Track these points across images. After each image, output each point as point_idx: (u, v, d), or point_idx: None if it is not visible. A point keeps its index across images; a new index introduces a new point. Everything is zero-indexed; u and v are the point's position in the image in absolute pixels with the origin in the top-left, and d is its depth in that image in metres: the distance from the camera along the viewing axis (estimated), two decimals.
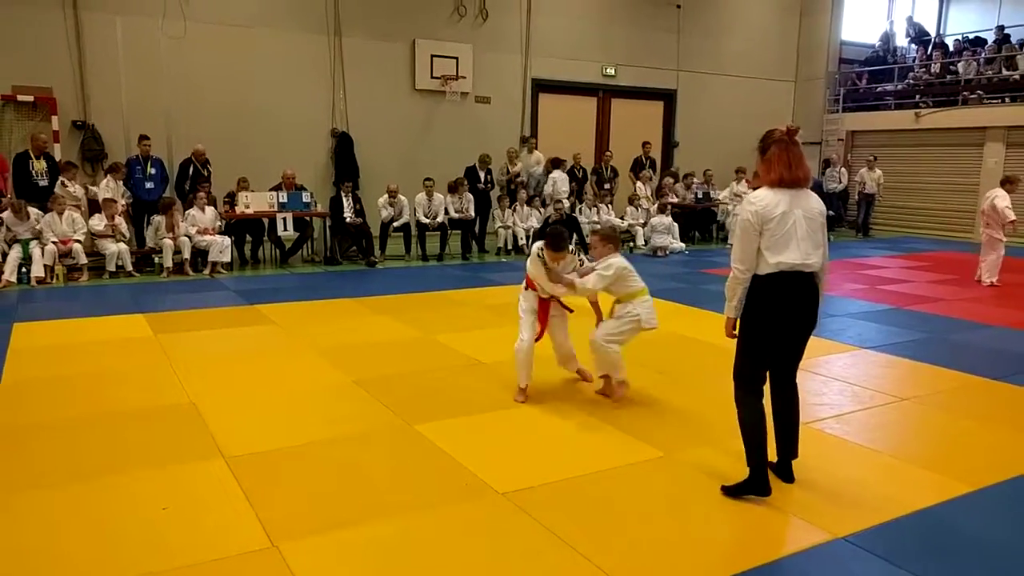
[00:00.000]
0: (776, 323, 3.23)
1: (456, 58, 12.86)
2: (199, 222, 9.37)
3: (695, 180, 13.78)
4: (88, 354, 5.54)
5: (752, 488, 3.22)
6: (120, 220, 9.16)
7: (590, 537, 2.91)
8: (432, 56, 12.70)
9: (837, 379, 5.11)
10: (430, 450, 3.78)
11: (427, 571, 2.70)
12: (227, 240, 9.48)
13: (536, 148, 12.48)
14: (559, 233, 4.50)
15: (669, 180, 13.63)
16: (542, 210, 11.81)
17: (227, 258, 9.46)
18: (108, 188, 9.31)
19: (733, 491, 3.25)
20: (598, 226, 12.43)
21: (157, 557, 2.74)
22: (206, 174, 10.22)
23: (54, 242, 8.56)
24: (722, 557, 2.80)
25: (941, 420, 4.36)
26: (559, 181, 11.92)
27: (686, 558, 2.80)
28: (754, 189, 3.38)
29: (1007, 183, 9.22)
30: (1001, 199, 9.08)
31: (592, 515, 3.12)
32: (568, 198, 11.58)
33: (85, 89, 10.35)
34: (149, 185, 9.73)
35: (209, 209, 9.56)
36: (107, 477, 3.42)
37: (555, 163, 12.16)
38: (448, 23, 12.87)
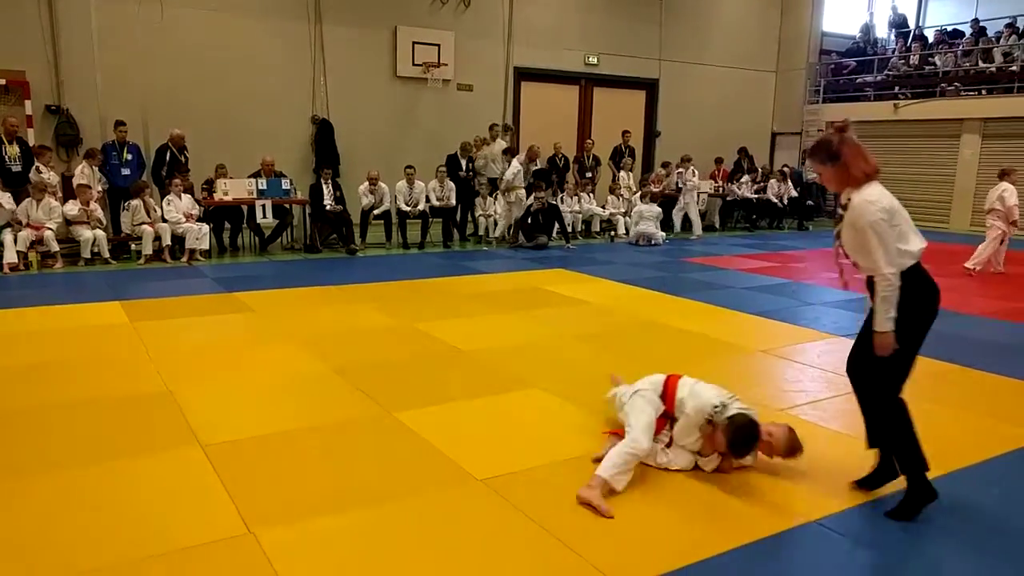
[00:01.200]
0: (931, 315, 3.11)
1: (438, 45, 12.78)
2: (175, 209, 9.26)
3: (691, 166, 13.51)
4: (63, 342, 5.47)
5: (929, 495, 3.04)
6: (95, 206, 9.03)
7: (568, 523, 2.93)
8: (414, 43, 12.61)
9: (813, 366, 5.18)
10: (409, 438, 3.78)
11: (405, 557, 2.71)
12: (205, 227, 9.39)
13: (501, 137, 12.31)
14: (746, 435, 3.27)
15: (662, 171, 13.64)
16: (524, 199, 11.78)
17: (205, 245, 9.38)
18: (83, 174, 9.17)
19: (912, 509, 3.04)
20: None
21: (132, 545, 2.73)
22: (183, 160, 10.09)
23: (28, 227, 8.43)
24: (697, 541, 2.83)
25: (914, 407, 4.40)
26: (517, 171, 11.48)
27: (662, 542, 2.83)
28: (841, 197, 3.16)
29: (1007, 175, 9.35)
30: (1010, 194, 9.24)
31: (570, 501, 3.13)
32: (547, 189, 11.53)
33: (59, 73, 10.17)
34: (125, 172, 9.61)
35: (186, 196, 9.45)
36: (81, 466, 3.39)
37: (508, 152, 11.81)
38: (430, 10, 12.78)
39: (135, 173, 9.73)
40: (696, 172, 13.24)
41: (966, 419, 4.23)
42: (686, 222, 13.03)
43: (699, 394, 3.42)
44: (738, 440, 3.22)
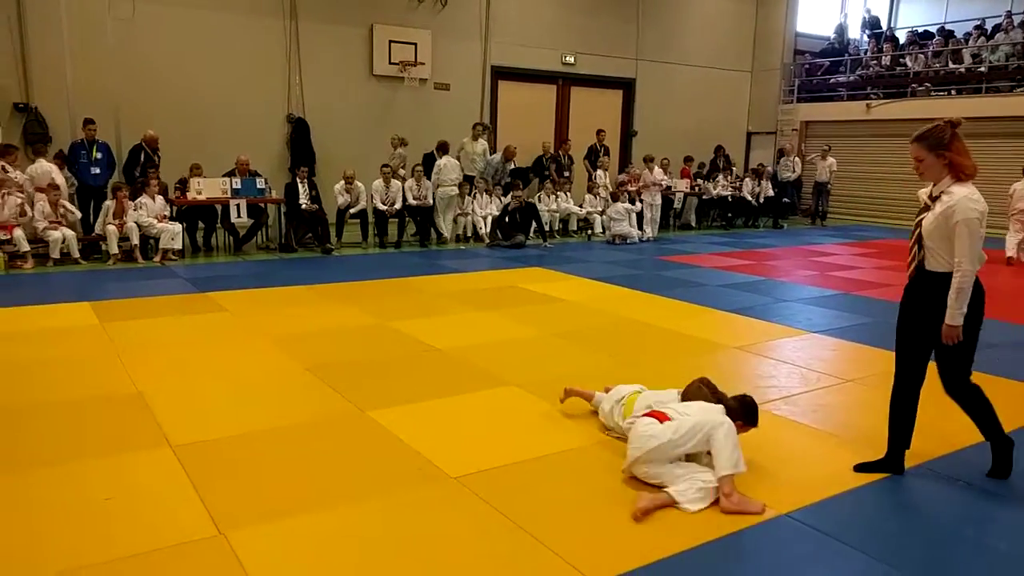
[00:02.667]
0: (982, 313, 3.34)
1: (415, 44, 12.74)
2: (149, 211, 9.13)
3: (655, 166, 13.61)
4: (30, 343, 5.37)
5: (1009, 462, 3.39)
6: (69, 206, 8.90)
7: (543, 519, 2.94)
8: (390, 42, 12.56)
9: (786, 362, 5.23)
10: (383, 436, 3.76)
11: (379, 556, 2.69)
12: (177, 227, 9.27)
13: (482, 136, 12.30)
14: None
15: (635, 170, 13.69)
16: (502, 198, 11.80)
17: (178, 245, 9.25)
18: (50, 175, 8.98)
19: (1006, 468, 3.37)
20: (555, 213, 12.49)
21: (100, 548, 2.68)
22: (156, 160, 9.96)
23: None
24: (668, 536, 2.84)
25: (883, 400, 4.44)
26: (444, 169, 11.32)
27: (634, 537, 2.85)
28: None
29: None
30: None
31: (544, 497, 3.14)
32: (524, 188, 11.53)
33: (27, 70, 9.99)
34: (95, 170, 9.45)
35: (159, 197, 9.32)
36: (48, 467, 3.33)
37: (440, 148, 11.60)
38: (407, 8, 12.73)
39: (105, 171, 9.58)
40: (661, 172, 13.25)
41: (932, 412, 4.29)
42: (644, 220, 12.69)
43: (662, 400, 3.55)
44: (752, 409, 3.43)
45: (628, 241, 11.77)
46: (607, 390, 4.01)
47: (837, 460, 3.58)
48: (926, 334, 3.30)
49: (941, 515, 3.09)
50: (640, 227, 12.32)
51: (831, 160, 15.17)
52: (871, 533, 2.90)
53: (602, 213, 12.59)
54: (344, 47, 12.28)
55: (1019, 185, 10.28)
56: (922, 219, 3.25)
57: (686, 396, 3.56)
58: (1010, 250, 10.21)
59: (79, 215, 9.12)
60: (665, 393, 3.68)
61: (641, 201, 12.43)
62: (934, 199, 3.22)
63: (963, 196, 3.14)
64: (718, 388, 3.57)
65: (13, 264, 8.40)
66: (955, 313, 3.16)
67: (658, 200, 12.68)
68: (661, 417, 3.27)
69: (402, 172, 11.18)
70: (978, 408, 3.40)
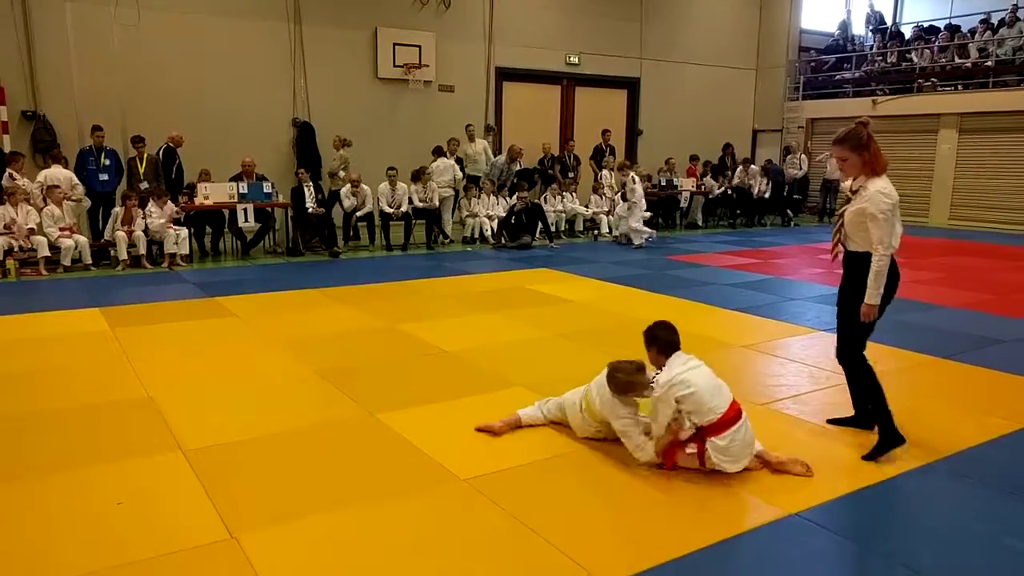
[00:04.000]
0: (894, 292, 3.66)
1: (419, 46, 12.76)
2: (156, 219, 9.13)
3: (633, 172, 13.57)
4: (40, 349, 5.41)
5: (897, 440, 3.57)
6: (69, 210, 8.96)
7: (552, 521, 2.94)
8: (395, 44, 12.59)
9: (795, 360, 5.22)
10: (392, 439, 3.77)
11: (389, 559, 2.70)
12: (183, 231, 9.28)
13: (484, 136, 12.29)
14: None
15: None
16: (508, 199, 11.81)
17: (185, 250, 9.28)
18: (59, 179, 9.03)
19: (880, 452, 3.54)
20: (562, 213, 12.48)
21: (112, 552, 2.70)
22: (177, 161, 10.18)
23: (4, 235, 8.34)
24: (680, 536, 2.85)
25: (892, 398, 4.45)
26: (436, 171, 11.34)
27: (645, 538, 2.85)
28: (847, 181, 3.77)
29: None
30: None
31: (554, 499, 3.15)
32: (530, 189, 11.53)
33: (35, 78, 10.05)
34: (103, 177, 9.49)
35: (168, 205, 9.31)
36: (61, 473, 3.36)
37: (435, 151, 11.67)
38: (410, 11, 12.76)
39: (113, 178, 9.63)
40: (637, 179, 13.12)
41: (942, 409, 4.28)
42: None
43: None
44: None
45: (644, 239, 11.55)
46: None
47: (846, 459, 3.57)
48: (843, 303, 3.71)
49: (952, 513, 3.08)
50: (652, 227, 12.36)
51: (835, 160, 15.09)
52: (882, 531, 2.89)
53: (608, 213, 12.56)
54: (348, 50, 12.32)
55: None
56: (845, 210, 3.64)
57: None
58: None
59: (87, 202, 9.14)
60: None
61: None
62: (854, 192, 3.61)
63: (876, 190, 3.53)
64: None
65: (22, 272, 8.46)
66: (873, 293, 3.52)
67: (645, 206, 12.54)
68: None
69: (342, 174, 10.99)
70: (867, 384, 3.71)
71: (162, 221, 9.10)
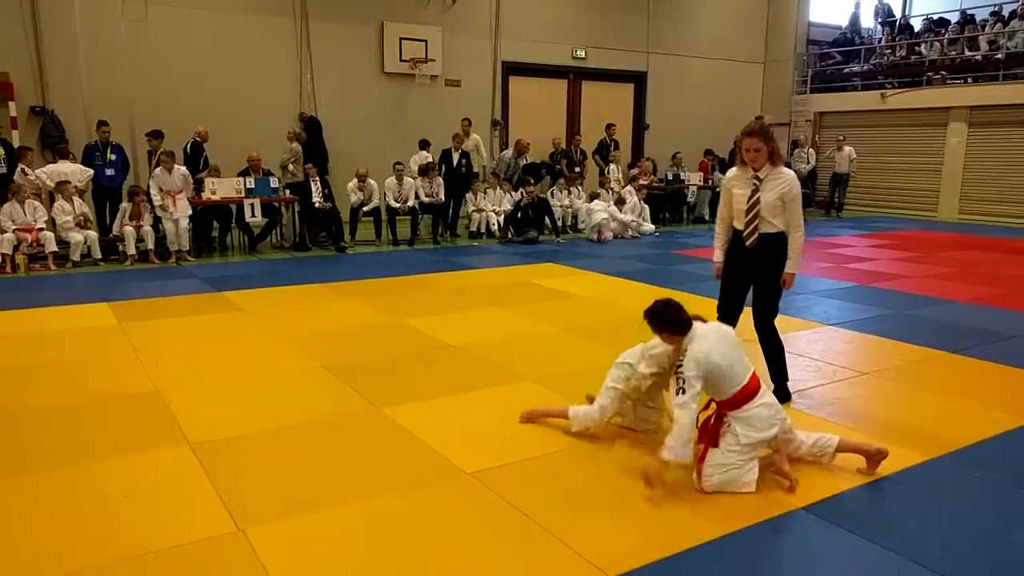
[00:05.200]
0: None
1: (425, 41, 12.76)
2: (165, 183, 9.05)
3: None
4: (49, 343, 5.45)
5: (786, 397, 4.19)
6: (80, 203, 9.00)
7: (557, 514, 2.95)
8: (401, 39, 12.60)
9: (801, 355, 5.20)
10: (399, 433, 3.78)
11: (396, 552, 2.71)
12: (183, 224, 9.23)
13: (471, 132, 12.10)
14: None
15: (648, 164, 13.68)
16: (513, 194, 11.79)
17: (186, 244, 9.25)
18: (66, 173, 9.07)
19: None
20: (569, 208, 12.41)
21: (119, 544, 2.72)
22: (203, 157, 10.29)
23: (15, 231, 8.39)
24: (686, 529, 2.85)
25: (899, 393, 4.47)
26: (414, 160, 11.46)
27: (649, 531, 2.85)
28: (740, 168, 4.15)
29: None
30: None
31: (559, 493, 3.15)
32: (535, 184, 11.50)
33: (43, 74, 10.12)
34: (110, 172, 9.51)
35: (177, 169, 9.18)
36: (68, 466, 3.38)
37: (421, 144, 11.73)
38: (417, 5, 12.75)
39: (119, 173, 9.66)
40: (620, 176, 13.13)
41: (950, 404, 4.26)
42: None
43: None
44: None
45: (611, 237, 11.47)
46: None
47: (854, 454, 3.55)
48: (764, 280, 4.14)
49: (958, 507, 3.06)
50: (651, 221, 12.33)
51: (848, 149, 15.03)
52: (888, 526, 2.89)
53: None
54: (355, 45, 12.32)
55: None
56: (758, 197, 4.00)
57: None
58: None
59: (92, 221, 9.18)
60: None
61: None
62: (761, 180, 3.99)
63: (791, 176, 4.03)
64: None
65: (31, 267, 8.51)
66: (795, 264, 4.08)
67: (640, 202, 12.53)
68: None
69: (291, 168, 10.90)
70: (778, 349, 4.27)
71: (173, 188, 9.06)
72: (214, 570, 2.59)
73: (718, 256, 4.33)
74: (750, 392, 3.21)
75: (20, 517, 2.94)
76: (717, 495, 3.12)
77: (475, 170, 11.89)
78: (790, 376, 4.33)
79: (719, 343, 3.23)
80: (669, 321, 3.29)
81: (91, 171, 9.24)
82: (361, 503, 3.06)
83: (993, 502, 3.11)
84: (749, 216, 4.06)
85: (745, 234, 4.11)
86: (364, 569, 2.61)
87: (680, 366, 3.16)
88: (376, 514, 2.98)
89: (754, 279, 4.18)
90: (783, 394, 4.19)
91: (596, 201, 11.73)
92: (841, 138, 15.31)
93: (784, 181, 3.98)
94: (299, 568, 2.60)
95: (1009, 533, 2.85)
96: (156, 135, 9.79)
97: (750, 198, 4.03)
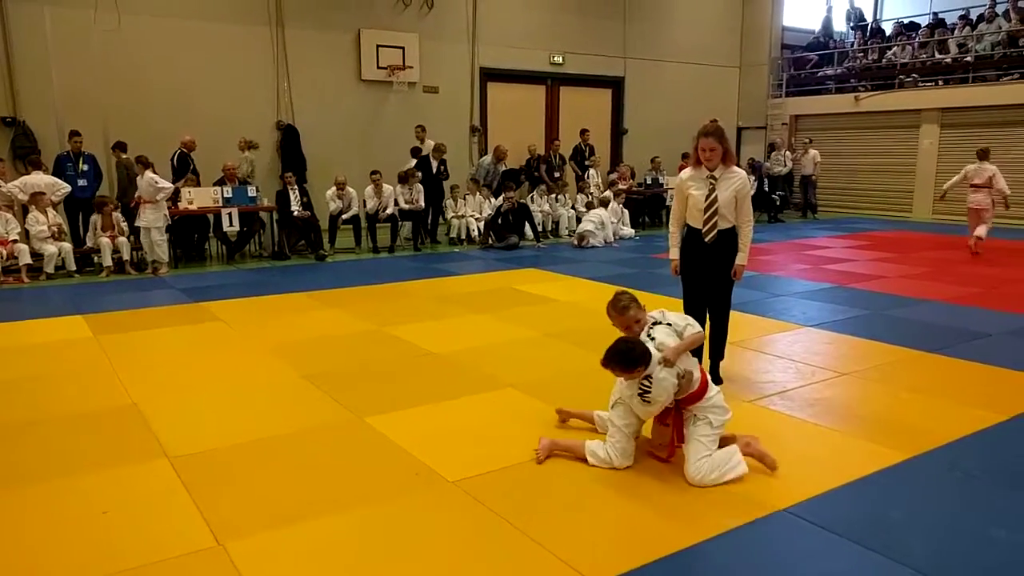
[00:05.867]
0: None
1: (402, 48, 12.73)
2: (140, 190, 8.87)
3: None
4: (22, 358, 5.35)
5: (719, 381, 4.39)
6: (55, 215, 8.86)
7: (540, 521, 2.93)
8: (378, 46, 12.55)
9: (781, 357, 5.24)
10: (381, 442, 3.76)
11: (378, 562, 2.69)
12: (154, 234, 9.05)
13: (426, 137, 12.00)
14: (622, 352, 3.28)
15: (626, 168, 13.75)
16: (494, 200, 11.79)
17: (164, 257, 9.11)
18: (40, 186, 8.92)
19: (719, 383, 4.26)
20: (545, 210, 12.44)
21: (98, 561, 2.67)
22: (191, 166, 10.19)
23: None
24: (669, 534, 2.85)
25: (878, 393, 4.51)
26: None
27: (633, 536, 2.85)
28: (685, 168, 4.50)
29: (988, 155, 9.75)
30: (999, 173, 9.60)
31: (542, 499, 3.14)
32: (516, 189, 11.50)
33: (14, 84, 9.95)
34: (82, 182, 9.38)
35: (148, 177, 8.88)
36: (44, 482, 3.32)
37: (413, 152, 11.84)
38: (393, 12, 12.72)
39: (92, 183, 9.52)
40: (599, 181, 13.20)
41: (929, 403, 4.31)
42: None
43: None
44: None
45: (592, 244, 11.45)
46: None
47: (835, 454, 3.59)
48: (722, 272, 4.40)
49: (939, 506, 3.09)
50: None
51: (814, 152, 15.19)
52: (870, 526, 2.91)
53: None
54: (332, 53, 12.26)
55: (972, 169, 9.88)
56: (716, 195, 4.24)
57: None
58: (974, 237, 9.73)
59: (67, 233, 9.04)
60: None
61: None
62: (716, 179, 4.25)
63: (743, 175, 4.35)
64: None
65: (6, 280, 8.35)
66: (745, 256, 4.38)
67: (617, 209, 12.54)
68: None
69: (242, 174, 10.77)
70: (724, 335, 4.54)
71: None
72: None
73: (674, 254, 4.54)
74: (705, 384, 3.39)
75: None
76: (702, 498, 3.13)
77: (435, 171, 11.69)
78: (771, 378, 4.37)
79: (680, 362, 3.32)
80: (637, 355, 3.23)
81: (67, 187, 9.08)
82: (343, 514, 3.02)
83: (973, 499, 3.14)
84: (708, 214, 4.28)
85: (704, 231, 4.32)
86: None
87: (647, 392, 3.24)
88: (358, 525, 2.95)
89: (712, 271, 4.41)
90: (716, 376, 4.44)
91: (596, 211, 11.69)
92: (807, 140, 15.49)
93: (737, 179, 4.28)
94: None
95: (988, 529, 2.88)
96: (121, 147, 9.68)
97: (708, 196, 4.26)
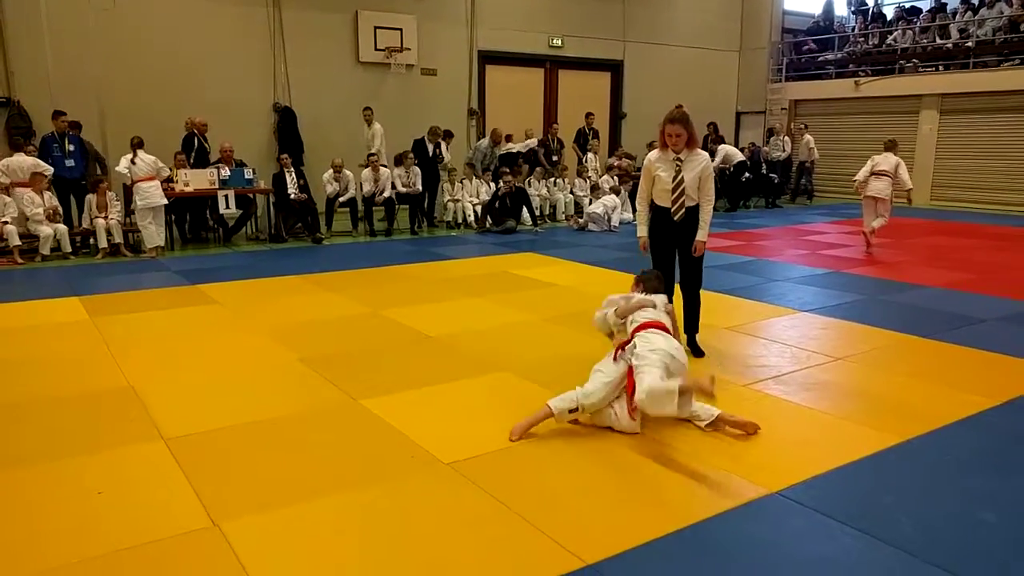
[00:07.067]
0: None
1: (400, 29, 12.65)
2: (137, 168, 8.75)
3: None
4: (18, 339, 5.34)
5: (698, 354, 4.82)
6: (51, 196, 8.81)
7: (536, 503, 2.95)
8: (376, 27, 12.47)
9: (777, 341, 5.25)
10: (376, 425, 3.77)
11: (373, 543, 2.70)
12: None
13: (374, 121, 11.65)
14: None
15: (622, 152, 13.71)
16: (491, 184, 11.75)
17: (160, 241, 9.05)
18: (24, 167, 8.82)
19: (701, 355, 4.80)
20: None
21: (93, 542, 2.68)
22: (207, 148, 10.18)
23: None
24: (662, 516, 2.86)
25: (873, 377, 4.52)
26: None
27: (627, 517, 2.86)
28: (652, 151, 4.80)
29: (896, 147, 9.47)
30: (903, 165, 9.23)
31: (537, 481, 3.15)
32: (513, 174, 11.44)
33: (8, 63, 9.87)
34: (69, 163, 9.30)
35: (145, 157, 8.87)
36: (40, 463, 3.32)
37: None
38: None
39: (79, 163, 9.44)
40: (597, 166, 13.10)
41: (923, 388, 4.33)
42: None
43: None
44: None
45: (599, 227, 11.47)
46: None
47: (829, 438, 3.61)
48: (689, 248, 4.71)
49: (932, 489, 3.11)
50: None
51: (808, 138, 15.13)
52: (862, 509, 2.93)
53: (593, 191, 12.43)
54: (329, 34, 12.18)
55: (880, 158, 9.33)
56: (682, 176, 4.56)
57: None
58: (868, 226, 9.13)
59: (61, 215, 9.00)
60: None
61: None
62: (682, 161, 4.57)
63: (706, 157, 4.70)
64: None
65: (1, 261, 8.32)
66: (705, 232, 4.69)
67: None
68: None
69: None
70: (697, 308, 4.88)
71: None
72: (190, 566, 2.56)
73: (642, 231, 4.90)
74: (654, 324, 3.70)
75: None
76: (696, 480, 3.15)
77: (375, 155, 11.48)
78: (766, 363, 4.38)
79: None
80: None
81: (50, 168, 8.95)
82: (338, 495, 3.04)
83: (964, 483, 3.16)
84: (676, 194, 4.60)
85: (673, 209, 4.65)
86: (343, 562, 2.59)
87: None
88: (353, 506, 2.96)
89: (681, 247, 4.74)
90: (695, 348, 4.84)
91: (608, 196, 11.63)
92: (803, 126, 15.43)
93: (701, 161, 4.63)
94: (277, 562, 2.57)
95: (978, 513, 2.90)
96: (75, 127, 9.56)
97: (675, 178, 4.58)
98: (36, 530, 2.78)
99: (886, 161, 9.21)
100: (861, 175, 9.30)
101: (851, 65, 16.25)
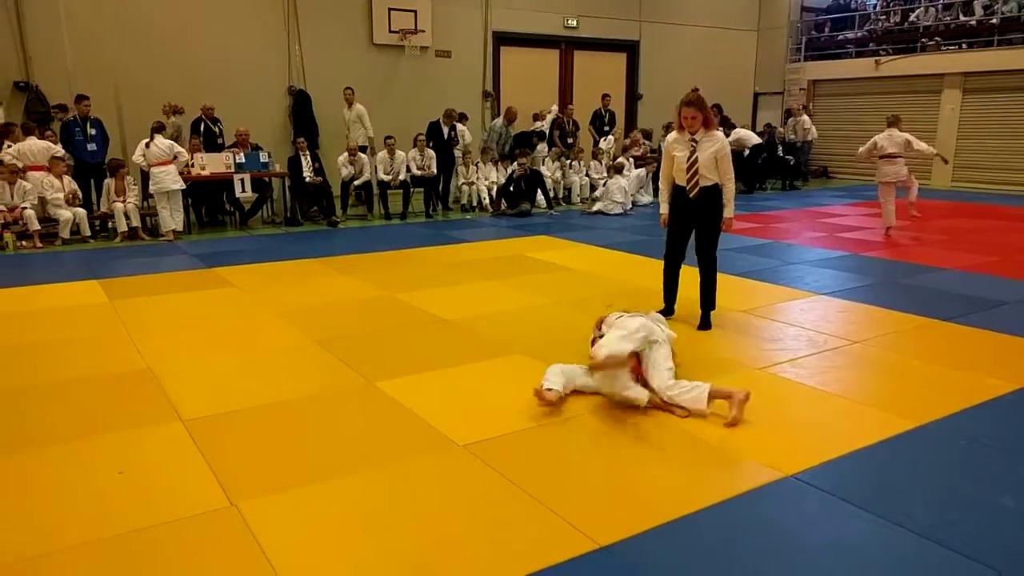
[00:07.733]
0: None
1: (414, 11, 12.58)
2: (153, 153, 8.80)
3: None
4: (39, 322, 5.42)
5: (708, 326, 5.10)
6: (70, 181, 8.88)
7: (550, 485, 2.96)
8: (390, 9, 12.41)
9: (793, 324, 5.22)
10: (391, 407, 3.79)
11: (387, 524, 2.73)
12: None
13: (355, 102, 11.44)
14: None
15: (638, 135, 13.57)
16: (505, 165, 11.69)
17: (180, 225, 9.13)
18: (34, 151, 8.87)
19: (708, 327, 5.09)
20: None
21: (113, 521, 2.73)
22: (218, 131, 10.23)
23: (1, 210, 8.30)
24: (676, 498, 2.87)
25: (889, 361, 4.49)
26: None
27: (641, 500, 2.87)
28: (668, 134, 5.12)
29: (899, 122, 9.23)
30: (912, 138, 8.98)
31: (550, 463, 3.17)
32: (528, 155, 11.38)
33: (26, 48, 9.93)
34: (91, 147, 9.36)
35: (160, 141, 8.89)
36: (61, 444, 3.38)
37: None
38: None
39: (101, 148, 9.50)
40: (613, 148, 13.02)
41: (941, 372, 4.29)
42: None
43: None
44: None
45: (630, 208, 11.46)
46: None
47: (844, 421, 3.58)
48: (706, 225, 4.97)
49: (948, 474, 3.09)
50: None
51: (804, 118, 14.78)
52: (877, 493, 2.91)
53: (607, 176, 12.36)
54: (343, 17, 12.14)
55: (883, 139, 9.09)
56: (696, 156, 4.77)
57: None
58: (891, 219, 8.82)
59: (80, 199, 9.07)
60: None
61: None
62: (697, 142, 4.77)
63: (722, 137, 4.86)
64: None
65: (20, 245, 8.43)
66: (731, 209, 4.90)
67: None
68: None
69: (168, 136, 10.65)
70: (713, 283, 5.09)
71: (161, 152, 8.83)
72: (208, 545, 2.60)
73: (664, 208, 5.15)
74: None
75: (15, 495, 2.95)
76: (709, 464, 3.15)
77: (362, 143, 11.35)
78: (782, 346, 4.35)
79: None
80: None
81: (61, 151, 8.97)
82: (354, 476, 3.07)
83: (982, 468, 3.13)
84: (690, 173, 4.82)
85: (688, 188, 4.87)
86: (358, 542, 2.62)
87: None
88: (369, 487, 2.99)
89: (696, 225, 5.00)
90: (706, 323, 5.10)
91: (614, 180, 11.48)
92: (800, 107, 15.17)
93: (716, 142, 4.79)
94: (293, 542, 2.61)
95: (997, 497, 2.88)
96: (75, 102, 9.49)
97: (689, 158, 4.80)
98: (57, 509, 2.83)
99: (892, 142, 8.92)
100: (863, 152, 9.12)
101: (871, 44, 15.97)
